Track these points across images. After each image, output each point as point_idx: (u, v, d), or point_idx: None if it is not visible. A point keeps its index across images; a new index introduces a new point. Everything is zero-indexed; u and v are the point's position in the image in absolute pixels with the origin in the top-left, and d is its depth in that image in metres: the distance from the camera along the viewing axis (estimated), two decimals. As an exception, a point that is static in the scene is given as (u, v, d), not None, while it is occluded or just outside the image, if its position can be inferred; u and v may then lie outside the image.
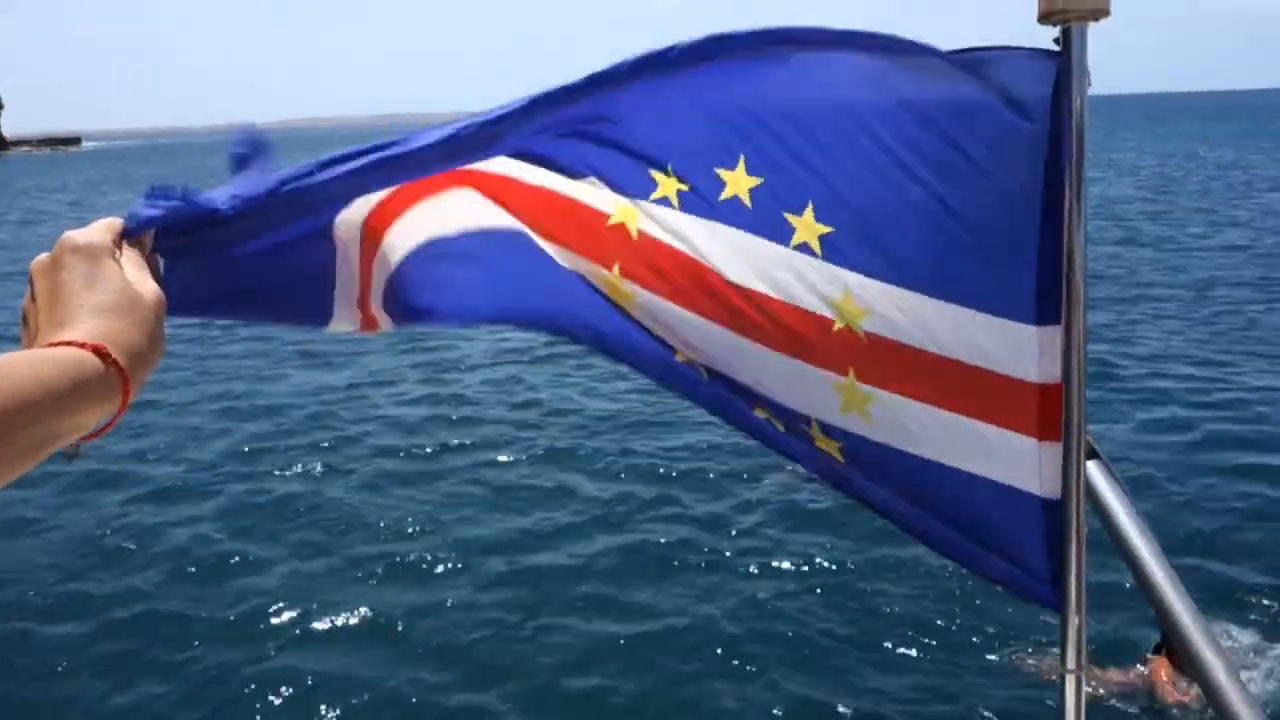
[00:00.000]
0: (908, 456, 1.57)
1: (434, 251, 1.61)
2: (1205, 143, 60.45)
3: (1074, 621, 1.51)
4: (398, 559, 7.66)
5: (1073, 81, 1.41)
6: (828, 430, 1.62)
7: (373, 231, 1.56)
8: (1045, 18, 1.42)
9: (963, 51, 1.47)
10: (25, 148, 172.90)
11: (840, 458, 1.63)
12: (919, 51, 1.47)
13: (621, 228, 1.60)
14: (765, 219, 1.55)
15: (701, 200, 1.57)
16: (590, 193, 1.60)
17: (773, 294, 1.57)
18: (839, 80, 1.52)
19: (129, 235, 1.13)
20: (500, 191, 1.64)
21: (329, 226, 1.51)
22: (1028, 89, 1.44)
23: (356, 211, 1.53)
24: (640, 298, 1.63)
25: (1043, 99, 1.43)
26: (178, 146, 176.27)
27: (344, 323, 1.56)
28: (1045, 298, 1.47)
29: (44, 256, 1.02)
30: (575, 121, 1.53)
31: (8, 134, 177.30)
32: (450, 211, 1.62)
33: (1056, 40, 1.42)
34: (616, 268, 1.62)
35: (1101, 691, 5.48)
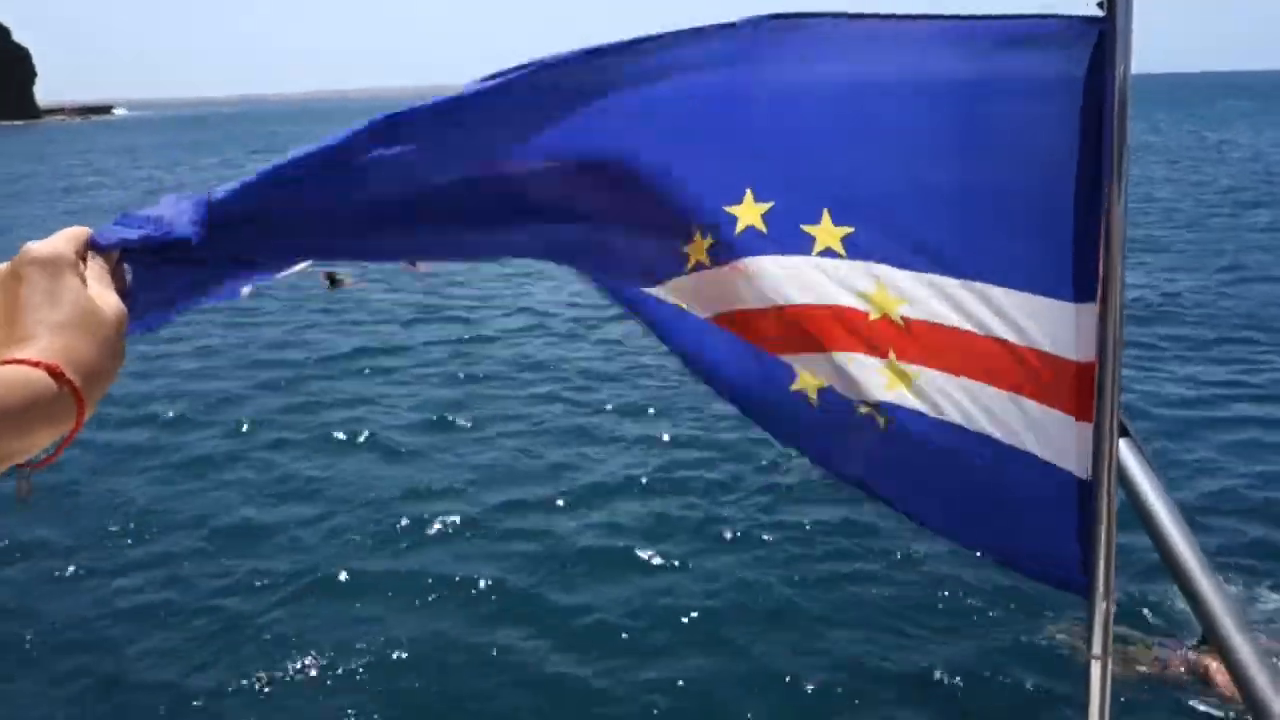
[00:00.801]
0: (952, 427, 1.55)
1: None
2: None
3: (1101, 605, 1.47)
4: (433, 507, 7.81)
5: (1117, 50, 1.35)
6: (872, 405, 1.60)
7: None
8: None
9: (999, 17, 1.42)
10: (60, 116, 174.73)
11: (882, 424, 1.60)
12: (949, 22, 1.43)
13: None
14: (784, 238, 1.55)
15: (724, 245, 1.57)
16: None
17: (803, 301, 1.56)
18: (852, 62, 1.48)
19: (95, 247, 1.09)
20: None
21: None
22: (1066, 57, 1.39)
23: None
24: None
25: (1081, 67, 1.38)
26: (208, 116, 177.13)
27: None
28: (1083, 274, 1.43)
29: (2, 267, 0.98)
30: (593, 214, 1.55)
31: (40, 102, 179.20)
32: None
33: (1101, 5, 1.37)
34: None
35: (1129, 676, 5.43)
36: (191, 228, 1.25)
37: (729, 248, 1.57)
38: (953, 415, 1.54)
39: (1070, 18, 1.39)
